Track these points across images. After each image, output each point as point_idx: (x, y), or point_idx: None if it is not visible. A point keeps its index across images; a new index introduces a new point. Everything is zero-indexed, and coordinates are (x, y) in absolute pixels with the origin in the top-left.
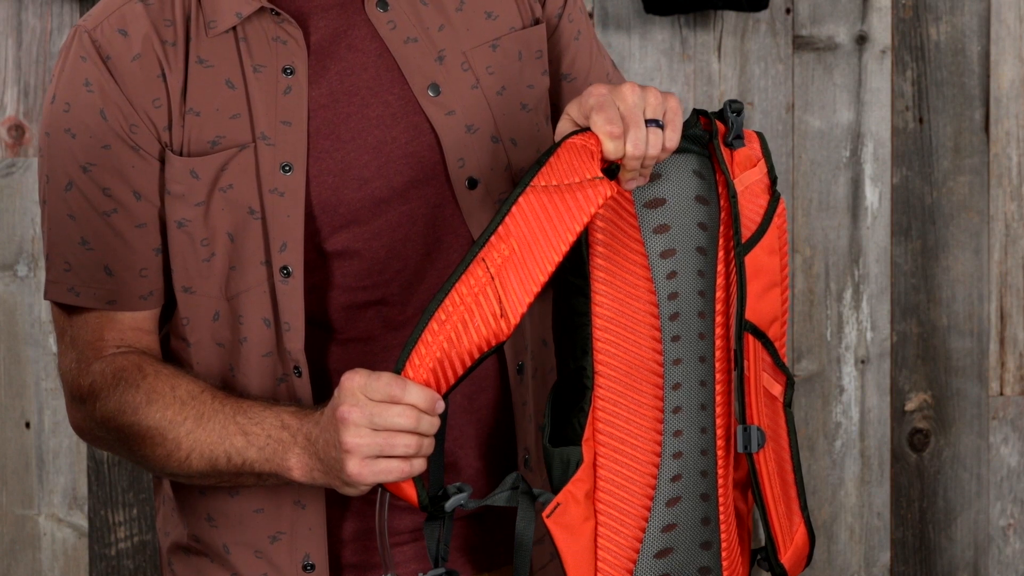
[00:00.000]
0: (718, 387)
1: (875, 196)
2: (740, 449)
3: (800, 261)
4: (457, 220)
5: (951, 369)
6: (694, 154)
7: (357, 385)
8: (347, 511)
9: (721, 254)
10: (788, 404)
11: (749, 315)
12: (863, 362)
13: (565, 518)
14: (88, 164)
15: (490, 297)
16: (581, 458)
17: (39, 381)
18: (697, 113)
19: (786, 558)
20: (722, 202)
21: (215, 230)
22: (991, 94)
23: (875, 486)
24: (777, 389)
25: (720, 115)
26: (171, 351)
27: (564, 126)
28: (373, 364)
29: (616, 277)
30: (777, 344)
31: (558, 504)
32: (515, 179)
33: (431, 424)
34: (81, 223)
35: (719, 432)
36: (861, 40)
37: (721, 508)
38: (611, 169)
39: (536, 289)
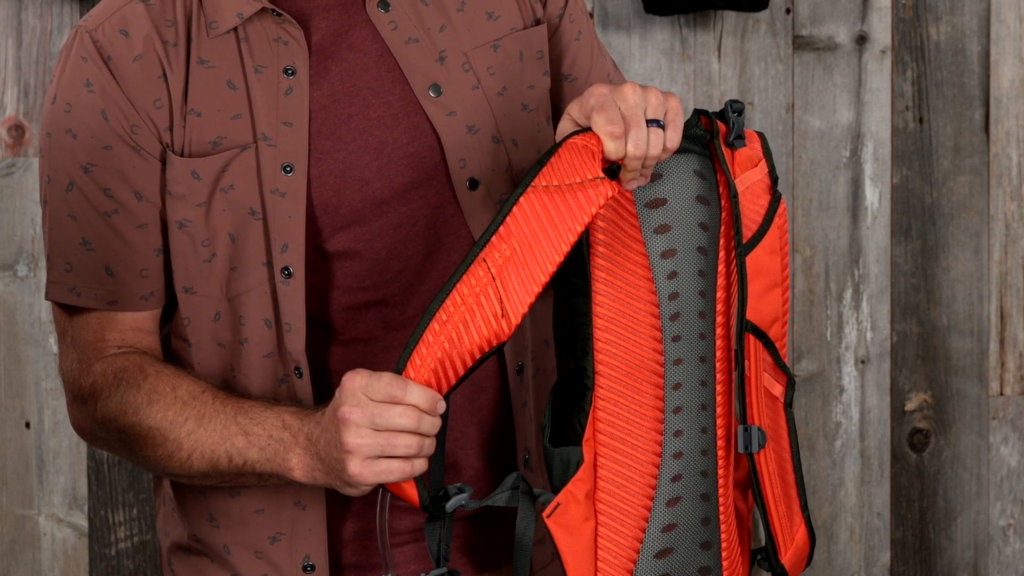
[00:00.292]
0: (719, 387)
1: (875, 196)
2: (741, 449)
3: (800, 261)
4: (458, 221)
5: (951, 369)
6: (695, 154)
7: (358, 385)
8: (347, 511)
9: (722, 254)
10: (789, 404)
11: (750, 315)
12: (863, 362)
13: (565, 518)
14: (89, 164)
15: (491, 297)
16: (581, 458)
17: (39, 381)
18: (698, 113)
19: (786, 558)
20: (723, 202)
21: (216, 231)
22: (991, 94)
23: (875, 486)
24: (778, 389)
25: (721, 115)
26: (172, 351)
27: (565, 126)
28: (374, 364)
29: (617, 277)
30: (778, 344)
31: (558, 504)
32: (516, 180)
33: (432, 424)
34: (82, 223)
35: (720, 432)
36: (861, 40)
37: (721, 508)
38: (612, 169)
39: (537, 289)
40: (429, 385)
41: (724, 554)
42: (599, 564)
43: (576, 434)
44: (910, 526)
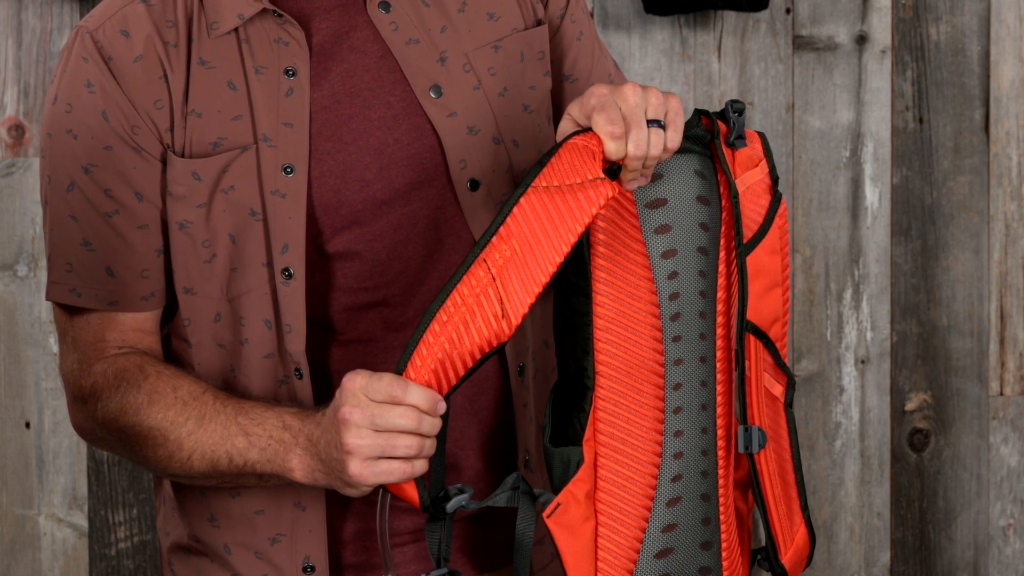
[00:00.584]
0: (719, 387)
1: (875, 196)
2: (741, 449)
3: (800, 261)
4: (459, 221)
5: (951, 369)
6: (695, 154)
7: (358, 386)
8: (347, 512)
9: (722, 254)
10: (789, 404)
11: (750, 315)
12: (863, 362)
13: (565, 518)
14: (90, 165)
15: (491, 298)
16: (582, 458)
17: (39, 381)
18: (699, 113)
19: (787, 558)
20: (723, 202)
21: (216, 231)
22: (991, 94)
23: (875, 486)
24: (778, 389)
25: (722, 115)
26: (172, 352)
27: (566, 126)
28: (374, 365)
29: (617, 277)
30: (778, 344)
31: (558, 504)
32: (517, 180)
33: (432, 425)
34: (83, 224)
35: (720, 432)
36: (861, 40)
37: (721, 508)
38: (612, 169)
39: (537, 290)
40: (429, 386)
41: (724, 554)
42: (599, 564)
43: (576, 434)
44: (910, 526)
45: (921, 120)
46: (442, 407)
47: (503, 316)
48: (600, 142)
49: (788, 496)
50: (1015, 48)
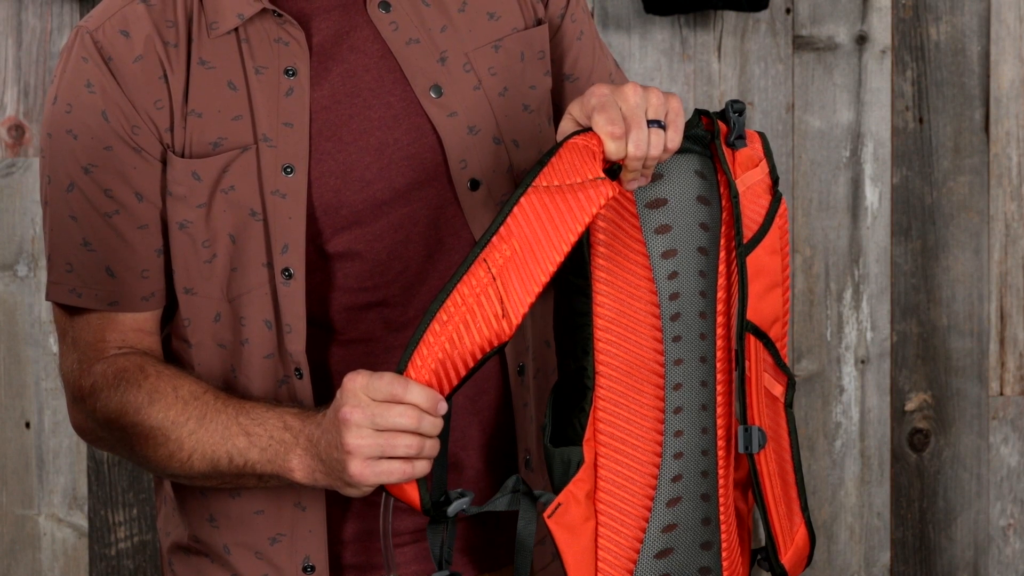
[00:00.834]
0: (719, 387)
1: (875, 196)
2: (741, 449)
3: (800, 261)
4: (459, 221)
5: (951, 369)
6: (696, 154)
7: (359, 385)
8: (347, 512)
9: (722, 254)
10: (789, 404)
11: (750, 315)
12: (863, 362)
13: (566, 518)
14: (90, 165)
15: (492, 298)
16: (582, 458)
17: (39, 381)
18: (699, 113)
19: (787, 558)
20: (724, 202)
21: (216, 232)
22: (991, 94)
23: (875, 486)
24: (778, 389)
25: (722, 115)
26: (172, 352)
27: (566, 126)
28: (374, 365)
29: (617, 277)
30: (778, 344)
31: (559, 504)
32: (517, 180)
33: (433, 424)
34: (83, 224)
35: (720, 432)
36: (861, 40)
37: (721, 508)
38: (613, 169)
39: (537, 289)
40: (430, 385)
41: (724, 554)
42: (599, 564)
43: (576, 434)
44: (910, 526)
45: (921, 120)
46: (443, 407)
47: (503, 316)
48: (600, 142)
49: (788, 496)
50: (1015, 48)
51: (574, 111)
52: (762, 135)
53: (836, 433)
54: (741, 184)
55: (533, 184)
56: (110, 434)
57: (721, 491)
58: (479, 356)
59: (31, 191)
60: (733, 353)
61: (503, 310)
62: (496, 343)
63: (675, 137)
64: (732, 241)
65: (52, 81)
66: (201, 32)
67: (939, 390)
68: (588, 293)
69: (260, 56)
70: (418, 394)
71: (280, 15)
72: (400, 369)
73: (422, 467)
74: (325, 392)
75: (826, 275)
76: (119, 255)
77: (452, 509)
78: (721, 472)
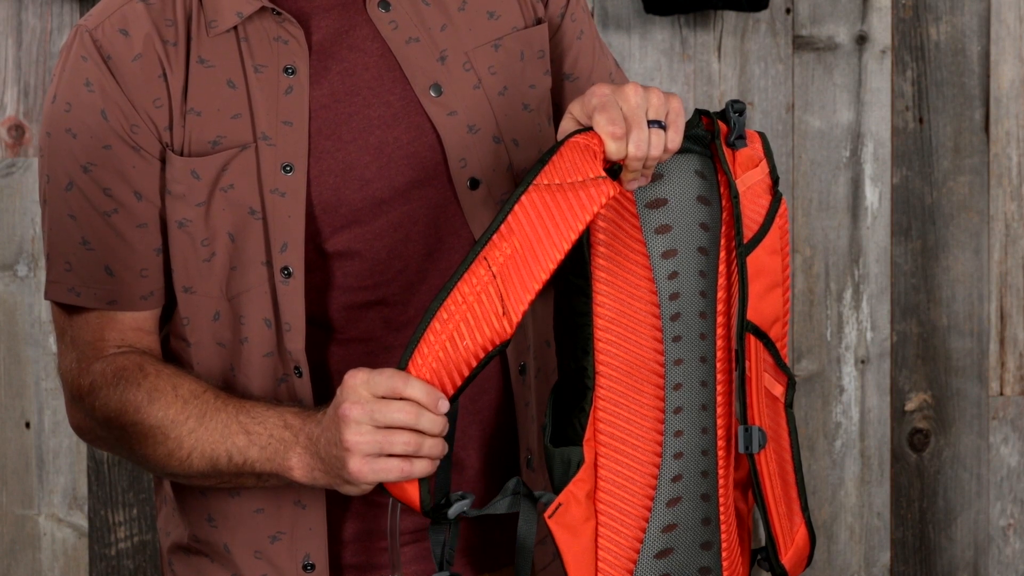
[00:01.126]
0: (719, 387)
1: (875, 196)
2: (741, 449)
3: (800, 261)
4: (459, 220)
5: (951, 369)
6: (696, 154)
7: (360, 381)
8: (347, 512)
9: (723, 254)
10: (789, 404)
11: (751, 315)
12: (863, 362)
13: (567, 518)
14: (89, 164)
15: (492, 296)
16: (582, 458)
17: (39, 381)
18: (699, 113)
19: (787, 558)
20: (724, 202)
21: (216, 230)
22: (991, 94)
23: (875, 486)
24: (778, 389)
25: (722, 115)
26: (171, 351)
27: (567, 125)
28: (374, 364)
29: (617, 277)
30: (779, 344)
31: (560, 504)
32: (517, 179)
33: (432, 421)
34: (82, 223)
35: (720, 432)
36: (861, 40)
37: (722, 508)
38: (613, 169)
39: (537, 287)
40: (431, 384)
41: (724, 554)
42: (599, 564)
43: (576, 434)
44: (910, 526)
45: (921, 120)
46: (444, 405)
47: (504, 314)
48: (601, 142)
49: (788, 496)
50: (1015, 48)
51: (575, 110)
52: (762, 135)
53: (836, 433)
54: (741, 184)
55: (534, 182)
56: (109, 433)
57: (721, 491)
58: (481, 356)
59: (31, 191)
60: (733, 353)
61: (503, 308)
62: (497, 342)
63: (675, 137)
64: (732, 241)
65: (51, 80)
66: (200, 31)
67: (939, 390)
68: (588, 293)
69: (259, 54)
70: (418, 389)
71: (279, 13)
72: (401, 367)
73: (421, 466)
74: (324, 391)
75: (826, 275)
76: (118, 254)
77: (452, 511)
78: (721, 472)
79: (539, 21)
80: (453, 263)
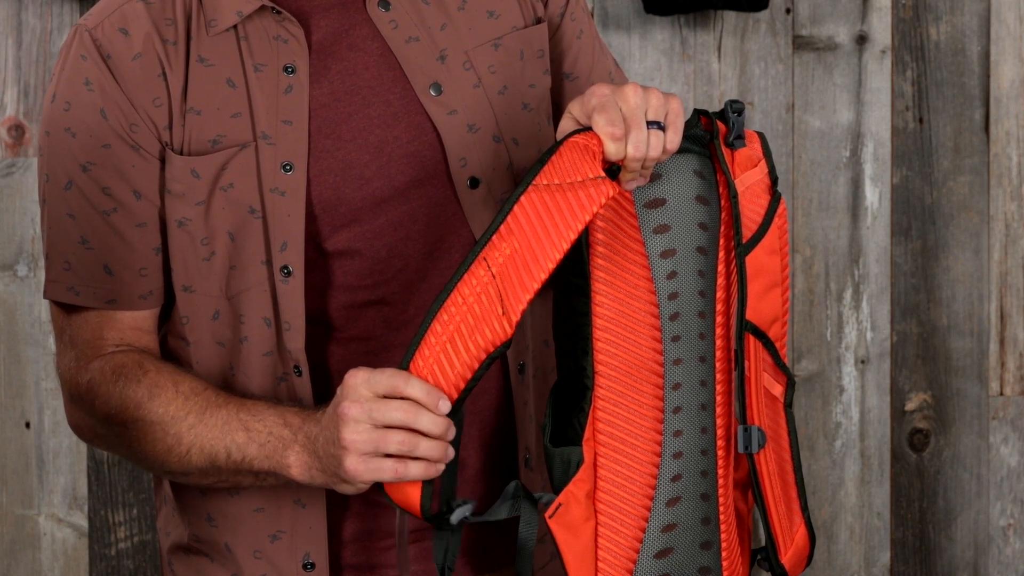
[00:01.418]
0: (718, 387)
1: (875, 196)
2: (741, 449)
3: (800, 261)
4: (459, 220)
5: (951, 369)
6: (695, 154)
7: (360, 380)
8: (347, 511)
9: (722, 254)
10: (789, 404)
11: (750, 315)
12: (863, 362)
13: (567, 518)
14: (88, 163)
15: (492, 296)
16: (582, 458)
17: (39, 381)
18: (698, 113)
19: (787, 558)
20: (723, 202)
21: (215, 229)
22: (991, 94)
23: (875, 486)
24: (778, 389)
25: (721, 115)
26: (169, 351)
27: (566, 125)
28: (374, 364)
29: (616, 277)
30: (778, 344)
31: (560, 504)
32: (517, 178)
33: (432, 422)
34: (81, 222)
35: (719, 432)
36: (861, 40)
37: (721, 508)
38: (612, 170)
39: (536, 286)
40: (436, 384)
41: (724, 554)
42: (599, 564)
43: (576, 434)
44: (910, 526)
45: (921, 120)
46: (445, 406)
47: (503, 313)
48: (600, 142)
49: (788, 496)
50: (1015, 48)
51: (574, 110)
52: (761, 135)
53: (836, 433)
54: (740, 184)
55: (533, 183)
56: (109, 431)
57: (721, 491)
58: (482, 357)
59: (31, 191)
60: (732, 353)
61: (503, 308)
62: (498, 343)
63: (674, 138)
64: (731, 241)
65: (51, 79)
66: (200, 30)
67: (939, 390)
68: (587, 293)
69: (259, 54)
70: (418, 388)
71: (279, 12)
72: (403, 366)
73: (417, 468)
74: (324, 390)
75: (826, 275)
76: (117, 253)
77: (455, 517)
78: (720, 472)
79: (539, 20)
80: (453, 262)
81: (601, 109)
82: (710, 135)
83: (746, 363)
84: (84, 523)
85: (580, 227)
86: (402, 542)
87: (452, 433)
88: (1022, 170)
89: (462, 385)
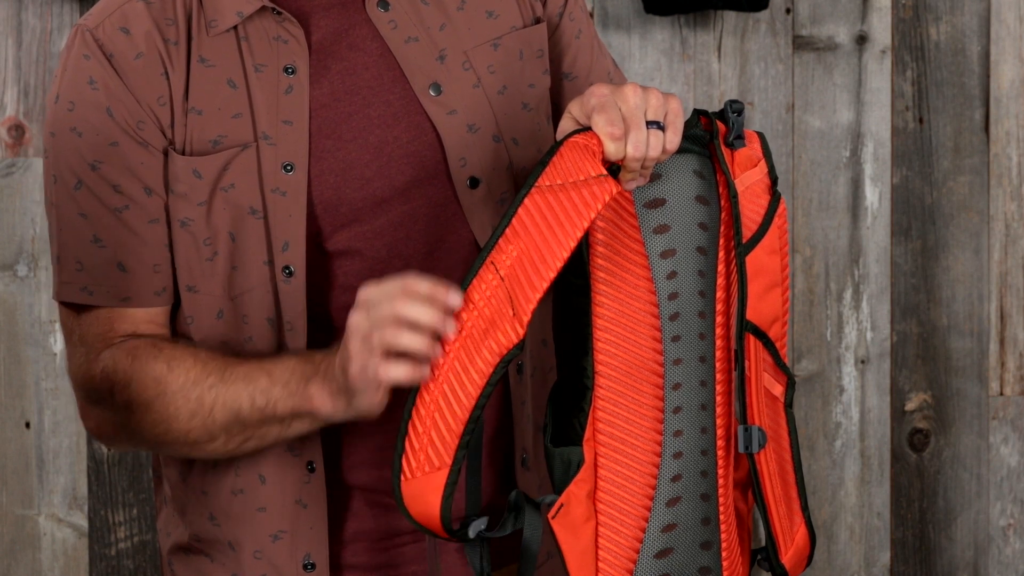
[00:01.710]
0: (718, 387)
1: (875, 196)
2: (741, 449)
3: (800, 261)
4: (459, 219)
5: (951, 369)
6: (695, 154)
7: (371, 290)
8: (348, 511)
9: (722, 254)
10: (789, 404)
11: (750, 315)
12: (863, 362)
13: (568, 518)
14: (96, 162)
15: (502, 298)
16: (582, 458)
17: (39, 381)
18: (698, 113)
19: (787, 558)
20: (723, 202)
21: (217, 230)
22: (991, 94)
23: (875, 486)
24: (778, 389)
25: (721, 115)
26: None
27: (566, 124)
28: None
29: (616, 277)
30: (778, 344)
31: (562, 505)
32: (517, 178)
33: (419, 310)
34: (93, 221)
35: (719, 432)
36: (861, 40)
37: (721, 508)
38: (611, 170)
39: (545, 286)
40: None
41: (724, 554)
42: (599, 564)
43: (576, 434)
44: (910, 526)
45: (921, 120)
46: (455, 299)
47: (514, 315)
48: (600, 141)
49: (788, 496)
50: (1015, 48)
51: (574, 110)
52: (761, 135)
53: (836, 433)
54: (740, 184)
55: (536, 184)
56: (130, 417)
57: (721, 491)
58: (495, 361)
59: (31, 191)
60: (732, 353)
61: (514, 310)
62: (510, 346)
63: (674, 138)
64: (731, 241)
65: (53, 81)
66: (200, 30)
67: (939, 390)
68: (587, 293)
69: (259, 54)
70: (424, 283)
71: (279, 13)
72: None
73: (398, 369)
74: None
75: (826, 275)
76: (131, 250)
77: (472, 529)
78: (721, 472)
79: (538, 20)
80: (453, 262)
81: (600, 109)
82: (710, 135)
83: (746, 363)
84: (84, 523)
85: (585, 224)
86: (432, 547)
87: (451, 328)
88: (1022, 170)
89: (475, 394)
